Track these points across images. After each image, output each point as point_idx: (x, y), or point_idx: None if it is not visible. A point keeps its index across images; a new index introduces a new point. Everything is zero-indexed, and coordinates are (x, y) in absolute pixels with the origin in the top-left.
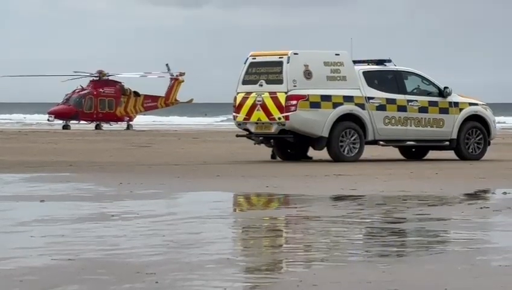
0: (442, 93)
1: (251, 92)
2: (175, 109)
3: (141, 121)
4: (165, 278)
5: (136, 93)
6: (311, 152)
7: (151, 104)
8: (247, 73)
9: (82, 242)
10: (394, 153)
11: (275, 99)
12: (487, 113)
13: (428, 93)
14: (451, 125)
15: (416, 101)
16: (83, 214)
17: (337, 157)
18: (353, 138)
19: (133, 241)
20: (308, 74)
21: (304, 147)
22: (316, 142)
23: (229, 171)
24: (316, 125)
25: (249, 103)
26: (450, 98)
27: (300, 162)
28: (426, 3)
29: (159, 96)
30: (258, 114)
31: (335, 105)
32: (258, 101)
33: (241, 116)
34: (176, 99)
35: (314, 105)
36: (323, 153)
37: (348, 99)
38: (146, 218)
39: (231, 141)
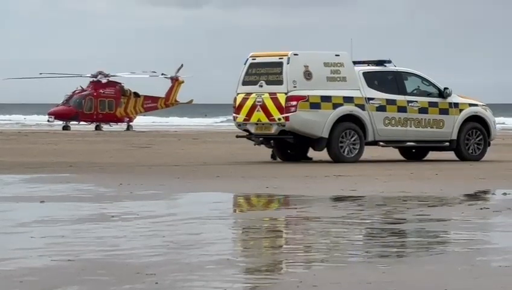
0: (442, 94)
1: (251, 93)
2: (175, 109)
3: (141, 121)
4: (165, 278)
5: (136, 94)
6: (311, 153)
7: (151, 104)
8: (247, 74)
9: (82, 243)
10: (394, 153)
11: (275, 100)
12: (487, 114)
13: (428, 94)
14: (451, 126)
15: (416, 101)
16: (83, 215)
17: (337, 158)
18: (353, 139)
19: (133, 242)
20: (308, 75)
21: (304, 148)
22: (316, 143)
23: (229, 172)
24: (316, 126)
25: (249, 103)
26: (450, 99)
27: (300, 162)
28: (426, 4)
29: (159, 97)
30: (258, 115)
31: (335, 106)
32: (258, 101)
33: (241, 117)
34: (176, 100)
35: (314, 106)
36: (323, 154)
37: (348, 100)
38: (146, 219)
39: (231, 142)
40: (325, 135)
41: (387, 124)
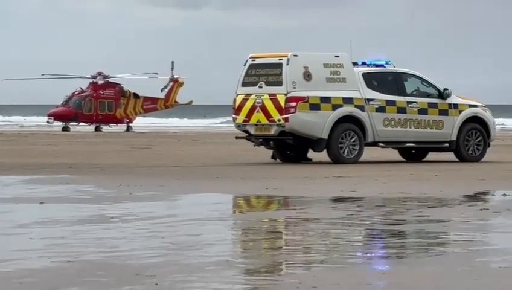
0: (442, 95)
1: (251, 94)
2: (175, 110)
3: (141, 122)
4: (165, 280)
5: (136, 95)
6: (311, 154)
7: (150, 106)
8: (246, 75)
9: (81, 244)
10: (394, 154)
11: (275, 101)
12: (487, 115)
13: (428, 95)
14: (450, 127)
15: (416, 102)
16: (83, 216)
17: (336, 159)
18: (353, 140)
19: (133, 243)
20: (307, 76)
21: (304, 149)
22: (316, 144)
23: (228, 173)
24: (315, 127)
25: (248, 104)
26: (449, 100)
27: (300, 164)
28: (425, 5)
29: (159, 98)
30: (258, 116)
31: (334, 107)
32: (258, 103)
33: (240, 118)
34: (175, 101)
35: (314, 107)
36: (323, 155)
37: (348, 101)
38: (145, 220)
39: (231, 143)
40: (325, 136)
41: (387, 125)
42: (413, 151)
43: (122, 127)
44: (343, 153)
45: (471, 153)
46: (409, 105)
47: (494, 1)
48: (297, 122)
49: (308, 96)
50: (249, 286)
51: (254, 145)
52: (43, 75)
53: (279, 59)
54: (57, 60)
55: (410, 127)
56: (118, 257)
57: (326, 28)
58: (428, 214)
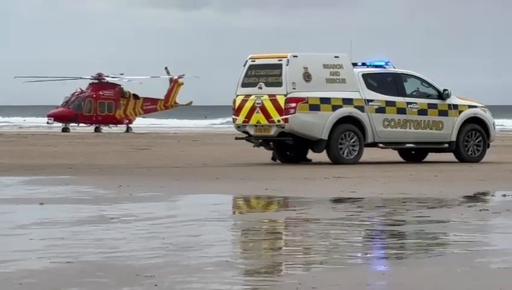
0: (442, 95)
1: (250, 95)
2: (174, 111)
3: (140, 123)
4: (164, 280)
5: (136, 96)
6: (311, 155)
7: (150, 106)
8: (246, 75)
9: (81, 245)
10: (393, 155)
11: (274, 101)
12: (486, 116)
13: (428, 96)
14: (450, 127)
15: (416, 103)
16: (82, 217)
17: (336, 160)
18: (352, 141)
19: (132, 244)
20: (307, 77)
21: (303, 150)
22: (316, 144)
23: (228, 173)
24: (315, 127)
25: (248, 105)
26: (449, 101)
27: (300, 164)
28: (425, 6)
29: (159, 99)
30: (258, 117)
31: (334, 107)
32: (258, 103)
33: (240, 118)
34: (175, 102)
35: (314, 107)
36: (323, 156)
37: (348, 101)
38: (145, 221)
39: (231, 144)
40: (325, 136)
41: (387, 126)
42: (413, 152)
43: (121, 128)
44: (343, 153)
45: (471, 154)
46: (409, 106)
47: (493, 1)
48: (297, 123)
49: (307, 97)
50: (248, 286)
51: (254, 146)
52: (44, 77)
53: (279, 60)
54: (57, 61)
55: (410, 128)
56: (117, 257)
57: (326, 28)
58: (428, 215)
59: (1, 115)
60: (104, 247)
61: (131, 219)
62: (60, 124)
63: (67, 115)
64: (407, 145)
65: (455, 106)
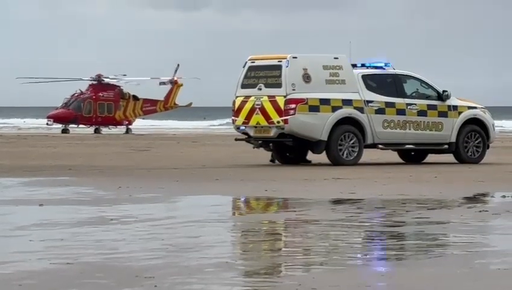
0: (441, 96)
1: (250, 96)
2: (174, 112)
3: (140, 124)
4: (164, 282)
5: (135, 97)
6: (310, 156)
7: (150, 108)
8: (246, 77)
9: (81, 246)
10: (393, 156)
11: (274, 103)
12: (486, 117)
13: (427, 97)
14: (450, 128)
15: (415, 104)
16: (82, 218)
17: (336, 161)
18: (352, 142)
19: (132, 245)
20: (307, 78)
21: (303, 151)
22: (315, 145)
23: (228, 174)
24: (315, 128)
25: (247, 106)
26: (448, 102)
27: (299, 165)
28: (425, 7)
29: (158, 100)
30: (257, 118)
31: (334, 109)
32: (257, 104)
33: (240, 120)
34: (175, 103)
35: (313, 109)
36: (322, 157)
37: (347, 102)
38: (145, 222)
39: (230, 145)
40: (324, 137)
41: (386, 127)
42: (413, 153)
43: (121, 129)
44: (343, 155)
45: (471, 155)
46: (408, 107)
47: (493, 2)
48: (296, 124)
49: (307, 98)
50: (248, 287)
51: (253, 147)
52: (44, 78)
53: (279, 61)
54: (57, 62)
55: (410, 129)
56: (117, 258)
57: (325, 29)
58: (427, 216)
59: (1, 116)
60: (103, 248)
61: (131, 220)
62: (60, 125)
63: (67, 116)
64: (407, 146)
65: (455, 107)
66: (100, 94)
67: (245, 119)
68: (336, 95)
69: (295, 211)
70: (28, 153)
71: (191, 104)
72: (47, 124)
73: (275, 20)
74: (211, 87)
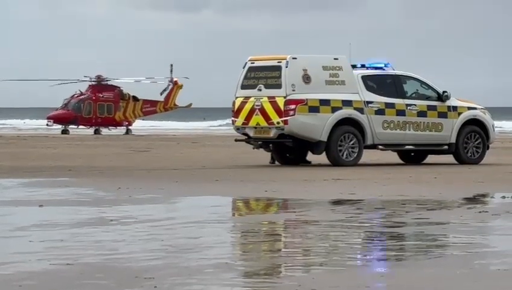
0: (441, 97)
1: (250, 97)
2: (174, 113)
3: (140, 125)
4: (164, 282)
5: (135, 98)
6: (310, 156)
7: (150, 108)
8: (245, 77)
9: (81, 247)
10: (393, 157)
11: (274, 103)
12: (486, 118)
13: (427, 98)
14: (450, 129)
15: (415, 105)
16: (82, 219)
17: (335, 162)
18: (352, 142)
19: (132, 246)
20: (306, 78)
21: (303, 152)
22: (315, 146)
23: (228, 175)
24: (314, 129)
25: (247, 107)
26: (448, 102)
27: (299, 166)
28: (425, 7)
29: (158, 101)
30: (257, 119)
31: (334, 109)
32: (257, 105)
33: (239, 120)
34: (175, 104)
35: (313, 109)
36: (322, 158)
37: (347, 103)
38: (145, 223)
39: (230, 146)
40: (324, 138)
41: (386, 128)
42: (413, 154)
43: (121, 130)
44: (342, 155)
45: (470, 156)
46: (408, 107)
47: (493, 3)
48: (296, 124)
49: (307, 99)
50: (248, 288)
51: (253, 148)
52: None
53: (278, 62)
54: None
55: (410, 130)
56: (117, 259)
57: (325, 30)
58: (427, 217)
59: (0, 117)
60: (103, 249)
61: (131, 220)
62: (60, 126)
63: (66, 117)
64: (407, 147)
65: (454, 108)
66: (100, 95)
67: (245, 120)
68: (335, 95)
69: (295, 212)
70: (28, 154)
71: (190, 104)
72: (47, 124)
73: (274, 21)
74: (211, 88)
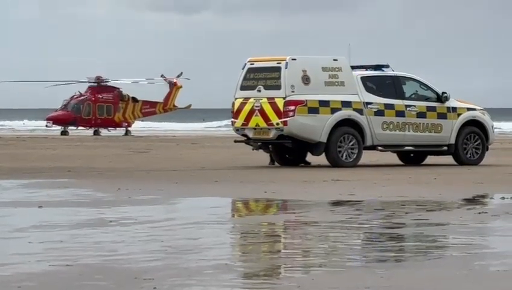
0: (440, 98)
1: (249, 98)
2: (173, 114)
3: (139, 126)
4: (163, 283)
5: (135, 99)
6: (310, 157)
7: (149, 109)
8: (245, 78)
9: (80, 248)
10: (392, 158)
11: (273, 104)
12: (485, 118)
13: (427, 99)
14: (449, 130)
15: (415, 106)
16: (81, 220)
17: (335, 163)
18: (351, 143)
19: (131, 247)
20: (306, 79)
21: (302, 153)
22: (314, 147)
23: (227, 176)
24: (314, 130)
25: (247, 108)
26: (448, 103)
27: (299, 167)
28: (425, 8)
29: (158, 102)
30: (256, 119)
31: (333, 110)
32: (256, 106)
33: (239, 121)
34: (174, 105)
35: (313, 110)
36: (322, 159)
37: (346, 104)
38: (144, 224)
39: (230, 147)
40: (323, 139)
41: (386, 129)
42: (412, 155)
43: (120, 131)
44: (342, 156)
45: (470, 157)
46: (408, 108)
47: (493, 5)
48: (295, 125)
49: (306, 100)
50: (247, 289)
51: (253, 149)
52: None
53: (278, 63)
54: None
55: (409, 131)
56: (116, 260)
57: (325, 31)
58: (427, 218)
59: (0, 118)
60: (103, 250)
61: (130, 221)
62: (59, 127)
63: (66, 118)
64: (406, 148)
65: (454, 109)
66: (99, 96)
67: (244, 121)
68: (335, 96)
69: (294, 213)
70: (27, 155)
71: (190, 105)
72: (46, 126)
73: (274, 22)
74: (210, 89)
